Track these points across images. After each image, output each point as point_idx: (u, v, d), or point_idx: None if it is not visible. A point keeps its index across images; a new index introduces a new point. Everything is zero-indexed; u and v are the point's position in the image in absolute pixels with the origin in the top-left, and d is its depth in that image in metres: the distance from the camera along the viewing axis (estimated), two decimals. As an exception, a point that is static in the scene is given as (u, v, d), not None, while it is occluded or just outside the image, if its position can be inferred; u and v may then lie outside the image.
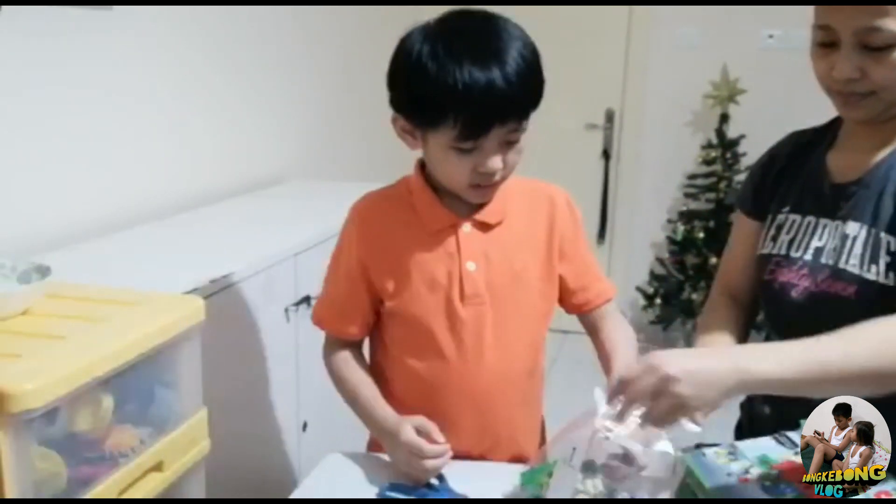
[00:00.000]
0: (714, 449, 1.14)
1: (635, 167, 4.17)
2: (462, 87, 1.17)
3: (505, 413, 1.39)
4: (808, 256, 1.32)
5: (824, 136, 1.41)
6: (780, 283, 1.34)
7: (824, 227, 1.32)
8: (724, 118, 3.82)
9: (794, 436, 1.15)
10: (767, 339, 1.41)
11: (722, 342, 1.39)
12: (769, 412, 1.37)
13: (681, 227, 3.88)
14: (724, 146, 3.80)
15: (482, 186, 1.29)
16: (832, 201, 1.32)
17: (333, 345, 1.44)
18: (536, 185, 1.44)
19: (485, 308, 1.34)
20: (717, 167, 3.80)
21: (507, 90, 1.19)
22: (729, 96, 3.78)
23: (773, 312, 1.39)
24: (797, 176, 1.40)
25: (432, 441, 1.26)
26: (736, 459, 1.11)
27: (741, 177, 3.76)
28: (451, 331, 1.34)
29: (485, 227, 1.35)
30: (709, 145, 3.84)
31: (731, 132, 3.82)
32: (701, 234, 3.80)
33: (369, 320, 1.41)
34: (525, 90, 1.22)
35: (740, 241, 1.49)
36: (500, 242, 1.36)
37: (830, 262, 1.28)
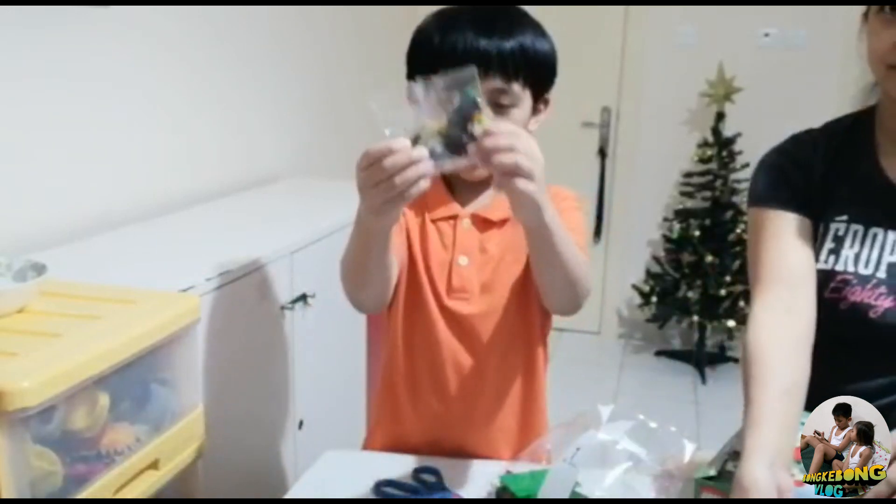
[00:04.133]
0: None
1: (631, 165, 4.17)
2: (449, 44, 1.22)
3: (486, 407, 1.39)
4: (882, 273, 1.24)
5: (864, 133, 1.33)
6: (850, 303, 1.25)
7: (895, 241, 1.25)
8: (721, 116, 3.82)
9: None
10: (831, 358, 1.25)
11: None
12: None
13: (677, 226, 3.88)
14: (721, 144, 3.80)
15: None
16: None
17: None
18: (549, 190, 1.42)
19: (470, 304, 1.34)
20: (713, 165, 3.80)
21: (493, 50, 1.22)
22: (725, 94, 3.78)
23: (843, 334, 1.27)
24: (846, 181, 1.30)
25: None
26: None
27: (737, 175, 3.77)
28: (442, 319, 1.35)
29: (486, 224, 1.35)
30: (705, 143, 3.85)
31: (728, 130, 3.82)
32: (697, 233, 3.80)
33: (403, 258, 1.33)
34: (516, 53, 1.24)
35: (790, 241, 1.28)
36: (499, 240, 1.35)
37: None
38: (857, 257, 1.26)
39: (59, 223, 1.82)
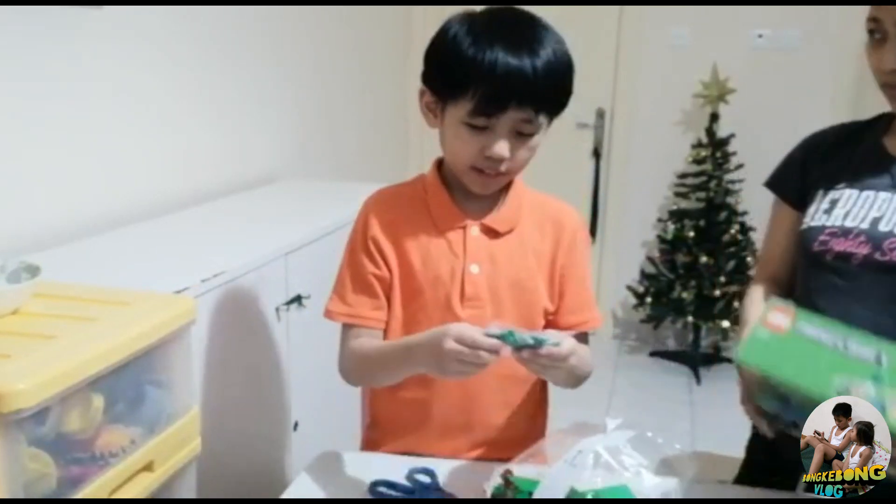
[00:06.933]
0: None
1: (626, 166, 4.17)
2: (487, 62, 1.20)
3: (495, 416, 1.40)
4: (865, 225, 1.31)
5: (874, 127, 1.42)
6: (835, 252, 1.33)
7: (884, 200, 1.32)
8: (714, 117, 3.83)
9: None
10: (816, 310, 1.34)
11: None
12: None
13: (671, 226, 3.88)
14: (715, 145, 3.81)
15: (485, 173, 1.29)
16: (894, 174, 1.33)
17: (349, 342, 1.39)
18: (551, 203, 1.43)
19: (483, 311, 1.33)
20: (708, 166, 3.80)
21: (530, 75, 1.21)
22: (719, 96, 3.79)
23: (826, 283, 1.35)
24: (849, 156, 1.39)
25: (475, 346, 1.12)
26: None
27: (731, 176, 3.78)
28: None
29: (493, 233, 1.35)
30: (699, 144, 3.85)
31: (721, 131, 3.83)
32: (691, 233, 3.80)
33: (387, 305, 1.38)
34: (548, 83, 1.24)
35: (780, 230, 1.49)
36: (507, 249, 1.36)
37: None
38: (846, 215, 1.34)
39: (54, 224, 1.81)
